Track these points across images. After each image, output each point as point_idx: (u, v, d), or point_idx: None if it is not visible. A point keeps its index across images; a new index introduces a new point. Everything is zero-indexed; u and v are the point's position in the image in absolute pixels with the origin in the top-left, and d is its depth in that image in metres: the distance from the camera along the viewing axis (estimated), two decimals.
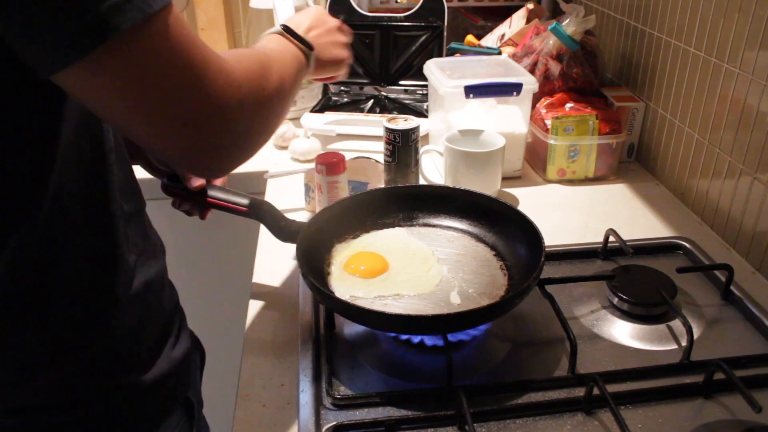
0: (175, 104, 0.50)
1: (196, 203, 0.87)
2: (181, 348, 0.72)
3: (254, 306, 0.88)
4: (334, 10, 1.51)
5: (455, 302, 0.78)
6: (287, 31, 0.77)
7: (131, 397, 0.65)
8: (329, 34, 0.86)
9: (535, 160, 1.25)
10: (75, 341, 0.61)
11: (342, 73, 0.92)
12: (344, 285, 0.81)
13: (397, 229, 0.92)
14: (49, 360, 0.60)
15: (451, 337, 0.76)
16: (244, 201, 0.87)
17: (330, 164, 1.00)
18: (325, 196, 1.02)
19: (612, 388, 0.69)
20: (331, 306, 0.76)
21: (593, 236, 1.01)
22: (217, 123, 0.53)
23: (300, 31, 0.79)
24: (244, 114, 0.55)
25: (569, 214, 1.12)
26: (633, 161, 1.29)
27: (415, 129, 1.09)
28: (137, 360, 0.66)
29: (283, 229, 0.86)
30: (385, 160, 1.11)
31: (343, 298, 0.77)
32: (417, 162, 1.11)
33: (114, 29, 0.45)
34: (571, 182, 1.21)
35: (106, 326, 0.62)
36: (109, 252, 0.62)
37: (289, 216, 0.88)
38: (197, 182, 0.85)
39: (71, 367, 0.61)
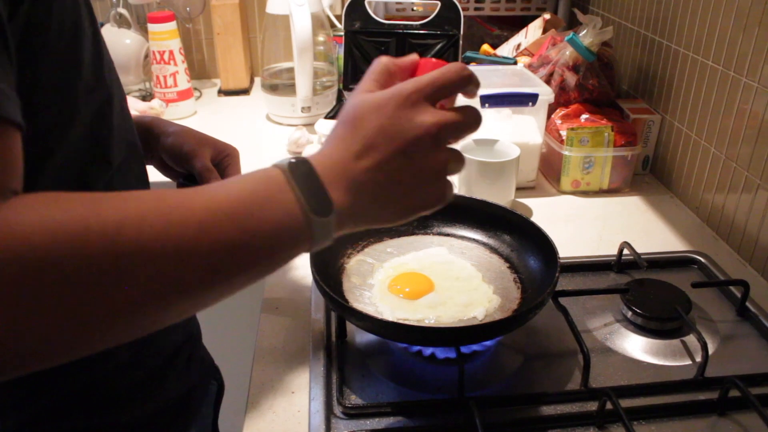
0: None
1: None
2: (184, 382, 0.69)
3: (266, 313, 0.88)
4: (350, 17, 1.51)
5: (477, 317, 0.78)
6: (294, 170, 0.45)
7: None
8: (406, 158, 0.48)
9: (550, 171, 1.24)
10: (52, 377, 0.55)
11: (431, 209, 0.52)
12: (389, 303, 0.79)
13: (437, 247, 0.90)
14: (21, 397, 0.55)
15: (464, 348, 0.75)
16: None
17: None
18: None
19: (625, 403, 0.69)
20: (342, 312, 0.76)
21: (607, 249, 1.00)
22: None
23: (344, 156, 0.47)
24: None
25: (583, 225, 1.11)
26: (648, 174, 1.28)
27: None
28: (124, 399, 0.61)
29: None
30: None
31: (385, 316, 0.76)
32: None
33: None
34: (585, 194, 1.20)
35: (94, 362, 0.51)
36: None
37: None
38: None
39: (45, 404, 0.56)
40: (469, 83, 0.52)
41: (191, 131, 0.81)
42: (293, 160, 0.46)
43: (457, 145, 0.53)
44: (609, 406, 0.68)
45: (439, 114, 0.49)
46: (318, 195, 0.45)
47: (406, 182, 0.48)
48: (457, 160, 0.51)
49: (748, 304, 0.86)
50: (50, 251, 0.34)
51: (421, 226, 0.93)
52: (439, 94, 0.50)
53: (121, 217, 0.38)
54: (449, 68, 0.51)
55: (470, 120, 0.51)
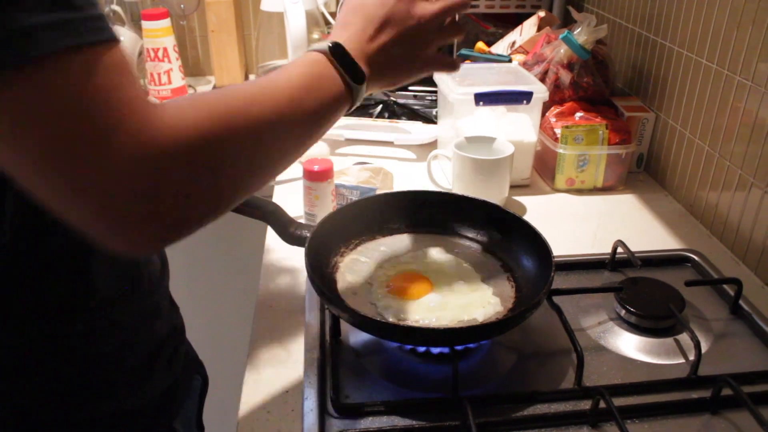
0: (76, 156, 0.40)
1: None
2: (168, 376, 0.69)
3: (260, 311, 0.88)
4: None
5: (477, 319, 0.77)
6: (334, 52, 0.61)
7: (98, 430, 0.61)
8: (411, 35, 0.66)
9: (544, 169, 1.24)
10: (34, 368, 0.56)
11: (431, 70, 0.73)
12: (388, 304, 0.79)
13: (432, 247, 0.89)
14: (1, 390, 0.56)
15: (458, 345, 0.75)
16: (254, 202, 0.87)
17: (309, 171, 1.01)
18: (304, 199, 1.03)
19: (618, 401, 0.69)
20: (337, 313, 0.76)
21: (601, 247, 1.01)
22: (135, 185, 0.42)
23: (361, 39, 0.64)
24: (179, 176, 0.44)
25: (577, 223, 1.11)
26: (642, 172, 1.28)
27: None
28: (111, 390, 0.62)
29: (292, 234, 0.86)
30: None
31: (387, 318, 0.76)
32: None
33: (37, 48, 0.38)
34: (579, 192, 1.20)
35: (76, 353, 0.58)
36: (82, 282, 0.57)
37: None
38: None
39: (27, 397, 0.57)
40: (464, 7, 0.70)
41: None
42: (330, 44, 0.61)
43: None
44: (602, 404, 0.68)
45: (431, 5, 0.68)
46: (354, 69, 0.62)
47: (410, 55, 0.68)
48: (455, 33, 0.72)
49: (741, 302, 0.86)
50: (217, 129, 0.47)
51: (413, 225, 0.92)
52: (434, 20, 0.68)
53: (243, 103, 0.51)
54: None
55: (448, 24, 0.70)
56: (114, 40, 0.42)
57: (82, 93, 0.40)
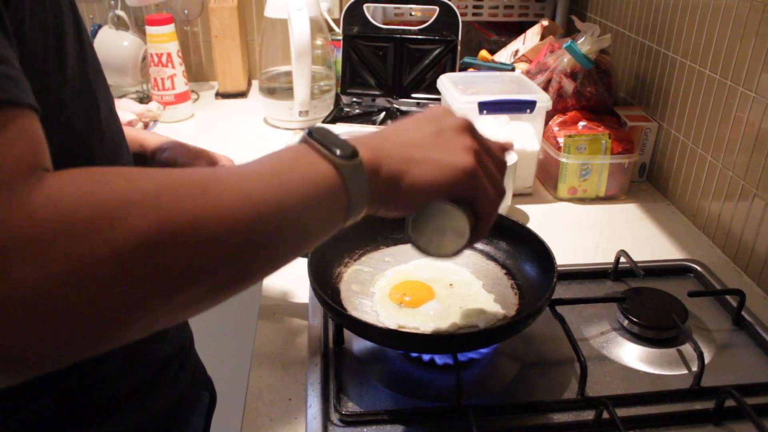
0: None
1: None
2: (174, 393, 0.67)
3: (263, 320, 0.88)
4: (348, 22, 1.51)
5: (478, 326, 0.77)
6: (313, 135, 0.46)
7: None
8: (441, 135, 0.52)
9: (546, 178, 1.24)
10: (37, 386, 0.53)
11: (486, 207, 0.55)
12: (390, 312, 0.79)
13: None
14: (3, 409, 0.54)
15: (461, 356, 0.75)
16: None
17: None
18: None
19: (621, 412, 0.69)
20: (340, 322, 0.76)
21: (603, 256, 1.01)
22: None
23: (367, 138, 0.49)
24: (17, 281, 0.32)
25: (579, 233, 1.11)
26: (644, 181, 1.29)
27: None
28: (113, 409, 0.60)
29: None
30: None
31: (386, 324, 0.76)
32: None
33: None
34: (582, 201, 1.21)
35: (77, 372, 0.54)
36: None
37: None
38: None
39: (29, 415, 0.55)
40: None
41: (185, 145, 0.81)
42: (317, 129, 0.47)
43: None
44: (605, 415, 0.68)
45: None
46: (339, 143, 0.46)
47: (428, 144, 0.51)
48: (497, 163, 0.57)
49: (743, 313, 0.86)
50: (94, 223, 0.34)
51: None
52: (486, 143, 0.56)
53: (158, 187, 0.37)
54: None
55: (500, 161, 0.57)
56: (17, 103, 0.36)
57: None
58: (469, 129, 0.54)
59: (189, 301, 0.39)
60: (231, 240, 0.39)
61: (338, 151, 0.45)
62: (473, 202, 0.54)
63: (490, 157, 0.55)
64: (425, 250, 0.59)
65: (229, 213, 0.39)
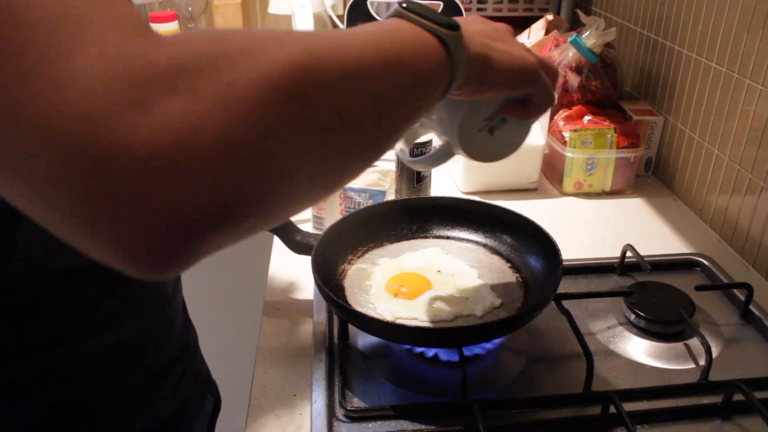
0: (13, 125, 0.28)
1: None
2: (177, 397, 0.66)
3: (267, 315, 0.88)
4: (351, 18, 1.51)
5: (476, 314, 0.77)
6: (408, 8, 0.46)
7: None
8: (501, 34, 0.55)
9: (552, 173, 1.24)
10: (32, 389, 0.52)
11: (546, 100, 0.59)
12: (387, 304, 0.78)
13: (432, 248, 0.89)
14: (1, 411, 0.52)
15: (467, 351, 0.75)
16: None
17: None
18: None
19: (628, 406, 0.68)
20: (346, 317, 0.75)
21: (610, 251, 1.00)
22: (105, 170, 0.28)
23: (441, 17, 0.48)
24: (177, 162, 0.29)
25: (585, 227, 1.11)
26: (650, 176, 1.28)
27: (422, 144, 1.08)
28: (113, 414, 0.59)
29: (298, 242, 0.86)
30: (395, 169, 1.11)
31: (385, 317, 0.76)
32: (422, 177, 1.11)
33: None
34: (587, 195, 1.20)
35: (75, 376, 0.54)
36: (80, 301, 0.52)
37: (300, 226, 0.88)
38: None
39: (24, 420, 0.53)
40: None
41: None
42: (409, 2, 0.47)
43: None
44: (612, 410, 0.67)
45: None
46: (439, 16, 0.46)
47: (500, 42, 0.53)
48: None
49: (751, 307, 0.85)
50: (241, 52, 0.32)
51: (420, 230, 0.92)
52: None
53: (288, 32, 0.36)
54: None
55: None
56: None
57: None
58: (514, 36, 0.58)
59: (332, 154, 0.37)
60: (366, 83, 0.38)
61: (441, 22, 0.46)
62: (536, 93, 0.58)
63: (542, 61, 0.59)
64: (480, 153, 0.65)
65: (363, 57, 0.38)
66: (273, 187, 0.33)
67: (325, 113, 0.35)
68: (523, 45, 0.57)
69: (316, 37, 0.37)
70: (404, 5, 0.46)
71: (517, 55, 0.54)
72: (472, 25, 0.52)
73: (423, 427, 0.68)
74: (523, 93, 0.59)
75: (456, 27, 0.46)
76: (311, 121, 0.34)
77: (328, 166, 0.38)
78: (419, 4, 0.47)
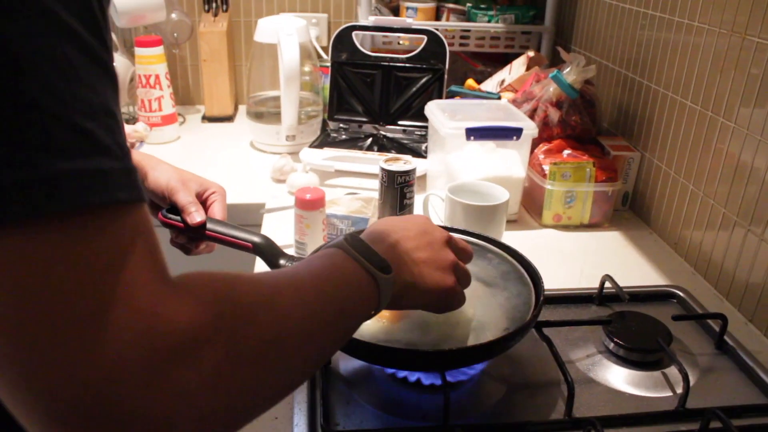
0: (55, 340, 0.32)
1: (195, 236, 0.84)
2: None
3: None
4: (337, 49, 1.53)
5: (458, 338, 0.77)
6: (350, 242, 0.57)
7: None
8: (432, 249, 0.65)
9: (531, 205, 1.26)
10: None
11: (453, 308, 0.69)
12: (369, 327, 0.77)
13: None
14: None
15: (449, 377, 0.75)
16: (244, 235, 0.85)
17: (301, 199, 1.02)
18: (295, 227, 1.03)
19: None
20: None
21: (588, 282, 1.02)
22: (120, 386, 0.33)
23: (380, 243, 0.60)
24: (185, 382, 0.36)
25: (564, 259, 1.12)
26: (627, 210, 1.31)
27: (405, 173, 1.10)
28: None
29: (282, 266, 0.85)
30: (379, 197, 1.12)
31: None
32: (405, 205, 1.12)
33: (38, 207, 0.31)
34: (566, 228, 1.22)
35: None
36: None
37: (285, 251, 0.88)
38: (197, 219, 0.80)
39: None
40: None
41: (178, 169, 0.85)
42: (346, 237, 0.57)
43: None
44: None
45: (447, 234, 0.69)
46: (377, 257, 0.57)
47: (430, 261, 0.64)
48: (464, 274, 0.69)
49: (726, 338, 0.87)
50: (239, 328, 0.41)
51: None
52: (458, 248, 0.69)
53: (262, 299, 0.45)
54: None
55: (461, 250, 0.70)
56: (141, 201, 0.36)
57: (83, 259, 0.33)
58: (450, 242, 0.68)
59: (285, 389, 0.47)
60: (300, 346, 0.47)
61: (378, 266, 0.56)
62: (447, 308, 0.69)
63: (462, 255, 0.70)
64: None
65: (301, 327, 0.47)
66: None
67: (290, 369, 0.46)
68: (451, 263, 0.66)
69: (284, 313, 0.46)
70: (348, 240, 0.57)
71: (435, 283, 0.64)
72: (407, 245, 0.62)
73: None
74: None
75: (388, 270, 0.57)
76: (283, 376, 0.46)
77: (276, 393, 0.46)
78: (361, 241, 0.58)
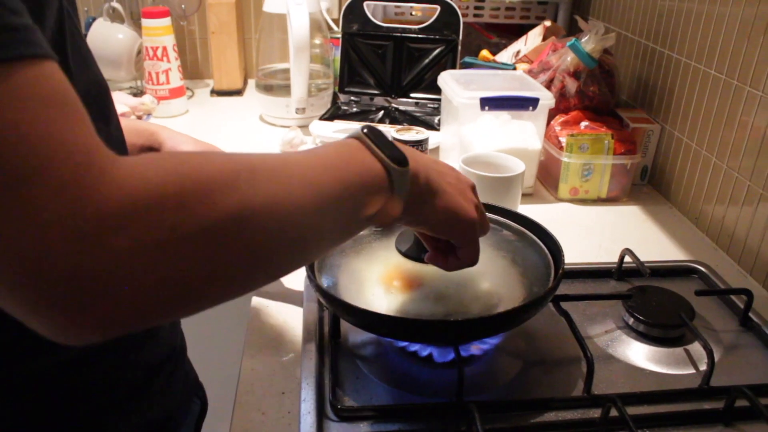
0: None
1: None
2: (163, 403, 0.64)
3: (256, 310, 0.85)
4: (348, 19, 1.49)
5: (473, 310, 0.74)
6: (368, 134, 0.51)
7: None
8: (459, 183, 0.60)
9: (547, 178, 1.22)
10: (14, 393, 0.51)
11: (470, 259, 0.63)
12: (381, 298, 0.75)
13: None
14: None
15: (462, 351, 0.73)
16: None
17: None
18: None
19: (629, 410, 0.66)
20: (337, 309, 0.73)
21: (606, 257, 0.98)
22: (56, 260, 0.32)
23: (406, 150, 0.52)
24: (123, 252, 0.33)
25: (581, 233, 1.09)
26: (646, 184, 1.27)
27: (418, 142, 1.07)
28: (96, 420, 0.57)
29: None
30: None
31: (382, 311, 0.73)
32: None
33: None
34: (583, 202, 1.18)
35: (57, 383, 0.52)
36: None
37: None
38: None
39: (6, 427, 0.52)
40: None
41: (195, 139, 0.82)
42: (371, 127, 0.51)
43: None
44: (613, 413, 0.65)
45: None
46: (391, 147, 0.51)
47: (452, 187, 0.58)
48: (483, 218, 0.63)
49: (751, 314, 0.84)
50: (182, 198, 0.36)
51: None
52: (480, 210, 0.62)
53: (237, 168, 0.40)
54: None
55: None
56: (46, 58, 0.34)
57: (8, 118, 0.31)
58: (475, 190, 0.63)
59: (256, 279, 0.43)
60: (297, 224, 0.42)
61: (391, 155, 0.50)
62: (462, 247, 0.62)
63: (482, 217, 0.63)
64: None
65: (297, 200, 0.42)
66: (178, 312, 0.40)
67: (255, 256, 0.40)
68: (476, 202, 0.61)
69: (265, 178, 0.41)
70: (365, 130, 0.51)
71: (458, 204, 0.58)
72: (436, 167, 0.57)
73: (416, 427, 0.66)
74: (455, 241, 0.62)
75: (404, 163, 0.50)
76: (245, 258, 0.40)
77: (252, 282, 0.43)
78: (379, 132, 0.51)
